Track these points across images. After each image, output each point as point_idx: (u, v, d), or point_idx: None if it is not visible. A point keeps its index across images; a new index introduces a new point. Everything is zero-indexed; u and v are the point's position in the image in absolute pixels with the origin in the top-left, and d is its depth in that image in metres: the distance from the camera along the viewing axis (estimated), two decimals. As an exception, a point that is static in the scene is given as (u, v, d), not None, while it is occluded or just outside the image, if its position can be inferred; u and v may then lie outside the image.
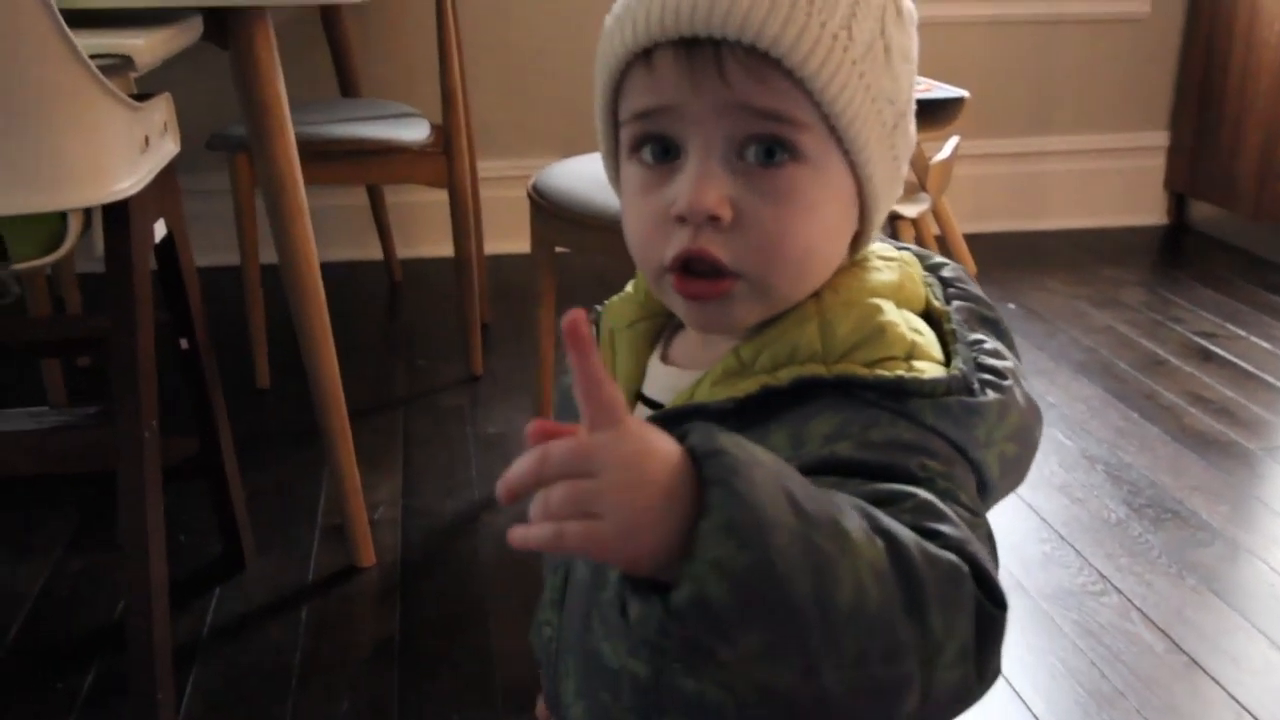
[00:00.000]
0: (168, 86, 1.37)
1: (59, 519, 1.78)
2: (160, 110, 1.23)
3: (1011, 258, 3.02)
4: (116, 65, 1.14)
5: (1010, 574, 1.65)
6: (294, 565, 1.68)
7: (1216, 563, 1.68)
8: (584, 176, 1.76)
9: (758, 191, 0.57)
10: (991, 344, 0.61)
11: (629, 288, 0.70)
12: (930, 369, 0.58)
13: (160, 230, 1.30)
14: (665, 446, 0.46)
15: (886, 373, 0.56)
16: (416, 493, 1.88)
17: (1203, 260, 3.05)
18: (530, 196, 1.76)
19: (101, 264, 1.25)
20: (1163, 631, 1.53)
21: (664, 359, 0.66)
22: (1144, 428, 2.10)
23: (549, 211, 1.72)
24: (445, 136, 2.15)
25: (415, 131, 2.17)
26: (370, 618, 1.57)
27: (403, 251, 2.87)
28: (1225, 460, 1.98)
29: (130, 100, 1.15)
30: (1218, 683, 1.43)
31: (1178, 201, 3.31)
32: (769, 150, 0.57)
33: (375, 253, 2.83)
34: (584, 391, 0.45)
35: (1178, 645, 1.50)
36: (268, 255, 1.76)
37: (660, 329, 0.68)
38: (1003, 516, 1.94)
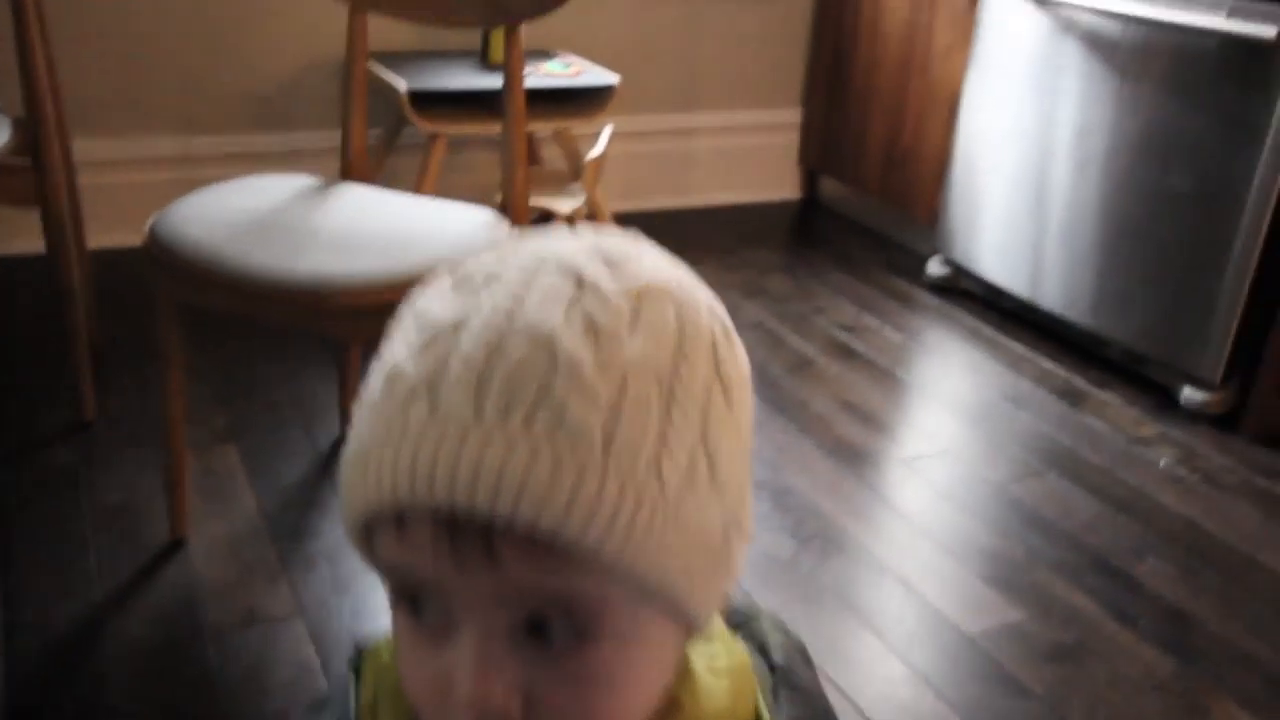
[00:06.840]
0: None
1: None
2: None
3: (660, 237, 2.95)
4: None
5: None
6: None
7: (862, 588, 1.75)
8: (214, 223, 1.51)
9: (554, 676, 0.44)
10: None
11: None
12: None
13: None
14: None
15: None
16: (18, 596, 1.57)
17: (836, 239, 3.19)
18: (149, 250, 1.48)
19: None
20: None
21: None
22: (801, 442, 2.15)
23: (176, 269, 1.46)
24: (34, 147, 1.78)
25: (-11, 137, 1.78)
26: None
27: (-21, 247, 2.42)
28: (870, 473, 2.07)
29: None
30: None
31: (810, 177, 3.44)
32: (558, 628, 0.44)
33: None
34: None
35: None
36: None
37: None
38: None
